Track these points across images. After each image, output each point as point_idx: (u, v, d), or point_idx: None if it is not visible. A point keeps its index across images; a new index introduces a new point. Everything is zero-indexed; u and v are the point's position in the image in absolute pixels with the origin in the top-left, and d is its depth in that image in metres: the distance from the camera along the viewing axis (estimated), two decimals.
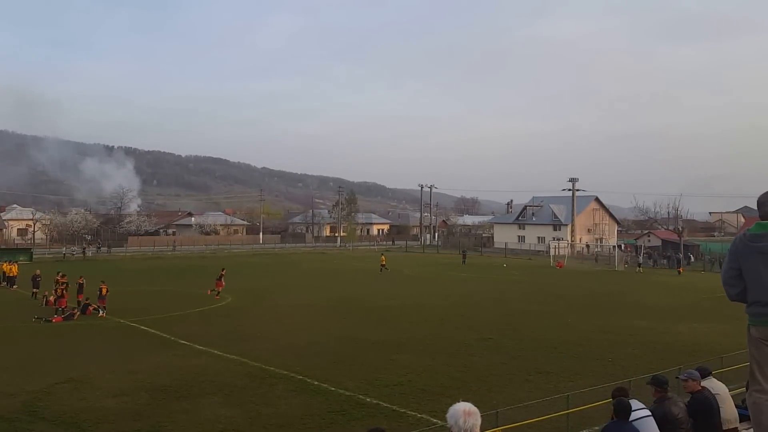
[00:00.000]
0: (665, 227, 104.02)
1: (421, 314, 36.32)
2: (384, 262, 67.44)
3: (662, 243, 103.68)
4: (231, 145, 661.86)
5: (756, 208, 5.73)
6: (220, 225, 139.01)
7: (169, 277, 57.07)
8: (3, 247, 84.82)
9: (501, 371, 22.68)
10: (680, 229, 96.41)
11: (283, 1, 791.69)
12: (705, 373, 10.57)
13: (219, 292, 42.95)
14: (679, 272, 70.36)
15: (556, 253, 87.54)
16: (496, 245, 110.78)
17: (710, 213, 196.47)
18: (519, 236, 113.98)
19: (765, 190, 5.71)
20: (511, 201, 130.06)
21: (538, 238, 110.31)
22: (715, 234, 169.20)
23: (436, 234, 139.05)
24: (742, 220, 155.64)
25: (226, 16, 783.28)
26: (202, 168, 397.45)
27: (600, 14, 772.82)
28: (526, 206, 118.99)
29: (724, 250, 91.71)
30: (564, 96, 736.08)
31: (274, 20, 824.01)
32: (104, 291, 35.47)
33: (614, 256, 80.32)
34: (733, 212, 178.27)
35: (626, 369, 22.29)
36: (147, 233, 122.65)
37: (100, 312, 34.35)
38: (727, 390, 10.44)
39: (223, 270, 46.26)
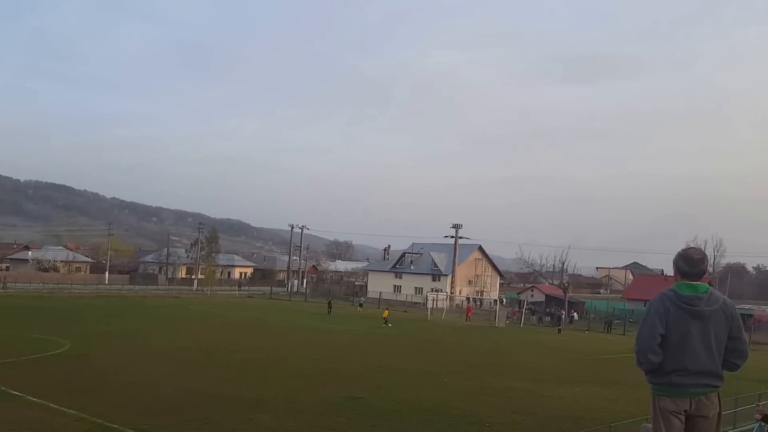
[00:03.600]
0: (550, 281, 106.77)
1: (285, 369, 36.04)
2: None
3: (546, 298, 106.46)
4: (77, 170, 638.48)
5: (678, 264, 5.87)
6: (61, 261, 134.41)
7: None
8: None
9: None
10: (566, 284, 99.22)
11: (131, 12, 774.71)
12: None
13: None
14: (559, 331, 72.71)
15: (434, 305, 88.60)
16: (370, 294, 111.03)
17: (597, 268, 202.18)
18: (395, 286, 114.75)
19: (684, 247, 5.91)
20: (389, 247, 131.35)
21: (416, 288, 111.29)
22: (602, 291, 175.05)
23: (305, 280, 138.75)
24: (631, 277, 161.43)
25: (69, 23, 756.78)
26: (43, 195, 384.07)
27: (481, 46, 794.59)
28: (404, 253, 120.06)
29: (609, 309, 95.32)
30: (446, 135, 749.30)
31: (124, 31, 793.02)
32: None
33: (495, 311, 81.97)
34: (622, 268, 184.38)
35: None
36: None
37: None
38: None
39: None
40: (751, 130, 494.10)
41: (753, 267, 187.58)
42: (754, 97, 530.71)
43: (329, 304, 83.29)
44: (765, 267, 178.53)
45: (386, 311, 71.66)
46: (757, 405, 14.06)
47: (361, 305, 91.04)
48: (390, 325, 65.61)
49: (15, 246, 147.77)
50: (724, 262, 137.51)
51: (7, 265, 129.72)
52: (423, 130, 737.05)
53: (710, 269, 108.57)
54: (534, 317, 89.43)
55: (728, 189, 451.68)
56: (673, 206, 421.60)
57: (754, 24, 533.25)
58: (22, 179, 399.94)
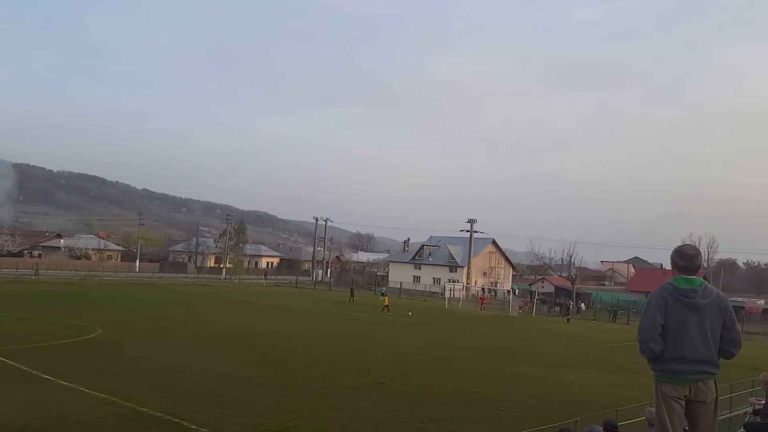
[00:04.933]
0: (559, 274, 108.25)
1: (310, 354, 36.28)
2: None
3: (555, 290, 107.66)
4: (108, 162, 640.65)
5: (674, 259, 6.12)
6: (92, 249, 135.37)
7: (32, 304, 55.07)
8: None
9: (393, 418, 22.88)
10: (573, 276, 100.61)
11: (168, 11, 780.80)
12: (611, 428, 11.05)
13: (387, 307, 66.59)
14: (568, 320, 73.73)
15: (451, 295, 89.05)
16: (390, 284, 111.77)
17: (602, 262, 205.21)
18: (414, 276, 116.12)
19: (680, 243, 6.14)
20: (408, 239, 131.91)
21: (434, 279, 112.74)
22: (606, 283, 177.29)
23: (329, 270, 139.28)
24: (633, 270, 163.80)
25: (103, 24, 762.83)
26: (76, 186, 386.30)
27: (493, 55, 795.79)
28: (423, 245, 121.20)
29: (614, 300, 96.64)
30: (462, 136, 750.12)
31: (153, 31, 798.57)
32: None
33: (508, 301, 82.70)
34: (624, 262, 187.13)
35: (520, 419, 22.90)
36: (9, 254, 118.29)
37: None
38: None
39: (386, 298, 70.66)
40: (743, 136, 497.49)
41: (743, 262, 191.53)
42: (749, 106, 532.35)
43: (351, 292, 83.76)
44: (755, 262, 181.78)
45: (386, 298, 71.77)
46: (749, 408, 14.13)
47: (382, 294, 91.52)
48: (407, 314, 65.72)
49: (47, 234, 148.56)
50: (717, 257, 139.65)
51: (40, 252, 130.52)
52: (440, 131, 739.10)
53: (704, 264, 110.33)
54: (544, 307, 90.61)
55: (721, 190, 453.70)
56: (671, 206, 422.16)
57: (744, 41, 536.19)
58: (55, 170, 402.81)
